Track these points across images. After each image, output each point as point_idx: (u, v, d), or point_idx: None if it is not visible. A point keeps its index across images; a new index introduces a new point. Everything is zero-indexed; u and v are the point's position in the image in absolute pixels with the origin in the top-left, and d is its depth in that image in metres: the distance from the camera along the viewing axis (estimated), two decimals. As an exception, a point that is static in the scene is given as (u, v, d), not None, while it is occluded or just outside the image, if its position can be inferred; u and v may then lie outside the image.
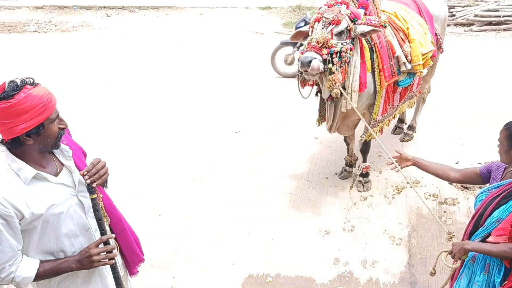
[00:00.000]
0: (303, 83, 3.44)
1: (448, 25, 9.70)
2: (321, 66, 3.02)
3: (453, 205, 3.89)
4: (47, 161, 1.80)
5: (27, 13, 12.86)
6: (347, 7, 3.22)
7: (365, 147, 4.02)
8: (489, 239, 2.06)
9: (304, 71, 3.07)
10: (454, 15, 9.98)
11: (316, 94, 3.63)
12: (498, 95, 6.01)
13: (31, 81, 1.70)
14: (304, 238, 3.62)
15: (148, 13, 12.70)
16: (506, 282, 2.07)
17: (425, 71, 3.87)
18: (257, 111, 5.98)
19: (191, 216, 3.92)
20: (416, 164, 2.55)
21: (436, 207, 3.89)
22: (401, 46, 3.60)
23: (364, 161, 4.09)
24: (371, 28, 3.22)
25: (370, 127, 3.48)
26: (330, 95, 3.36)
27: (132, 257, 2.12)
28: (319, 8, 3.25)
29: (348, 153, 4.30)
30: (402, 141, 4.89)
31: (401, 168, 2.61)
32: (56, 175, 1.80)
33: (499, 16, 9.35)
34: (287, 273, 3.27)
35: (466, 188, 4.08)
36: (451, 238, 2.37)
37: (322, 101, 3.88)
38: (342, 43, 3.12)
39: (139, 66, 8.06)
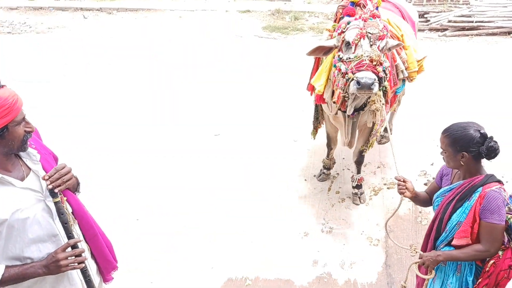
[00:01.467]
0: (344, 103, 3.15)
1: (422, 30, 9.98)
2: (378, 86, 2.84)
3: (428, 205, 3.98)
4: (13, 165, 1.77)
5: (1, 14, 12.53)
6: (380, 19, 3.05)
7: (361, 158, 3.93)
8: (453, 242, 2.14)
9: (365, 93, 2.85)
10: (429, 20, 10.24)
11: (336, 113, 3.39)
12: (472, 98, 6.19)
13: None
14: (283, 240, 3.64)
15: (126, 15, 12.56)
16: (480, 281, 2.12)
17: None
18: (235, 114, 5.98)
19: (169, 221, 3.88)
20: (415, 197, 2.49)
21: (412, 207, 3.97)
22: (398, 54, 3.57)
23: (359, 172, 4.00)
24: (398, 42, 3.15)
25: (372, 137, 3.54)
26: (355, 111, 3.21)
27: (104, 263, 2.07)
28: (348, 23, 3.00)
29: (327, 156, 4.29)
30: (379, 143, 4.97)
31: (404, 195, 2.48)
32: (22, 179, 1.76)
33: (472, 22, 9.65)
34: (266, 276, 3.28)
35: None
36: (416, 252, 2.39)
37: (318, 113, 3.96)
38: (384, 59, 2.96)
39: (117, 68, 7.94)
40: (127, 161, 4.82)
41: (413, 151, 4.80)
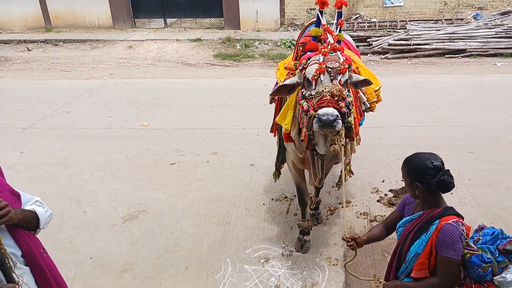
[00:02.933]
0: (310, 142, 2.97)
1: (366, 54, 10.56)
2: (341, 123, 2.67)
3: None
4: None
5: None
6: (341, 53, 2.92)
7: (321, 185, 3.67)
8: (412, 274, 2.13)
9: (327, 131, 2.69)
10: (371, 44, 10.87)
11: (305, 151, 3.16)
12: (417, 118, 6.57)
13: None
14: (244, 267, 3.58)
15: (73, 46, 12.29)
16: None
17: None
18: (191, 142, 5.94)
19: (124, 256, 3.72)
20: (368, 241, 2.53)
21: (367, 225, 4.08)
22: None
23: (317, 195, 3.96)
24: (364, 78, 3.02)
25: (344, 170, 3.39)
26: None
27: None
28: (308, 59, 2.89)
29: (303, 217, 3.77)
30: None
31: (357, 248, 2.52)
32: None
33: (410, 45, 10.35)
34: (229, 306, 3.21)
35: (393, 204, 4.34)
36: (379, 282, 2.43)
37: (281, 155, 3.79)
38: (347, 92, 2.79)
39: (63, 101, 7.68)
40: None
41: (365, 169, 4.98)
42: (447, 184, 2.03)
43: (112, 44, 12.11)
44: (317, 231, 4.01)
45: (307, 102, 2.79)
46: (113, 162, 5.42)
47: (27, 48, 12.08)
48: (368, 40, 11.09)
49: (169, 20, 14.11)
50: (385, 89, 7.19)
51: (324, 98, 2.67)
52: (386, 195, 4.53)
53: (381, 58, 10.34)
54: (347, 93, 2.77)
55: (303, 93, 2.86)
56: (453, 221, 2.03)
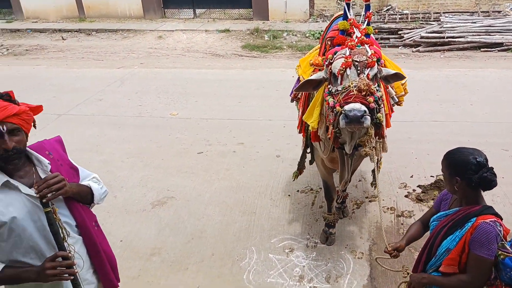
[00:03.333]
0: (337, 140, 2.84)
1: (397, 46, 10.32)
2: (369, 119, 2.51)
3: (410, 217, 4.06)
4: (25, 172, 1.83)
5: (-24, 37, 12.37)
6: (370, 46, 2.78)
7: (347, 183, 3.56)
8: (441, 268, 2.11)
9: (355, 128, 2.54)
10: (402, 37, 10.61)
11: (333, 150, 3.05)
12: (449, 113, 6.40)
13: None
14: (269, 257, 3.63)
15: (105, 36, 12.57)
16: None
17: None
18: (218, 132, 6.02)
19: (153, 241, 3.83)
20: (407, 244, 2.46)
21: (394, 220, 4.04)
22: None
23: (344, 190, 3.80)
24: (394, 71, 2.83)
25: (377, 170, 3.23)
26: (354, 148, 2.86)
27: (105, 282, 2.09)
28: (334, 53, 2.78)
29: (329, 210, 3.75)
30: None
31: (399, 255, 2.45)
32: (31, 186, 1.79)
33: (443, 38, 10.04)
34: (253, 293, 3.27)
35: (421, 200, 4.28)
36: (407, 273, 2.40)
37: (305, 156, 3.65)
38: (377, 87, 2.65)
39: (96, 89, 7.91)
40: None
41: (393, 163, 4.91)
42: (490, 181, 1.99)
43: (142, 34, 12.33)
44: (342, 224, 4.01)
45: (333, 98, 2.67)
46: (143, 150, 5.56)
47: (62, 37, 12.45)
48: (400, 32, 10.82)
49: (198, 11, 14.21)
50: (416, 83, 7.08)
51: (351, 93, 2.53)
52: (414, 190, 4.47)
53: (412, 51, 10.09)
54: (376, 87, 2.63)
55: (330, 89, 2.74)
56: (491, 221, 1.99)
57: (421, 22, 11.47)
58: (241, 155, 5.36)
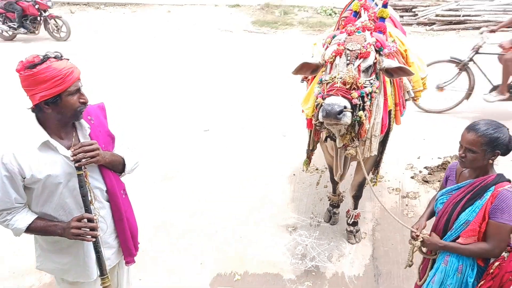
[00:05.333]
0: (317, 133, 2.76)
1: (410, 25, 10.06)
2: (350, 116, 2.36)
3: (415, 198, 4.04)
4: (66, 133, 1.95)
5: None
6: (371, 33, 2.58)
7: (359, 193, 3.48)
8: (459, 240, 2.11)
9: (331, 123, 2.38)
10: (417, 14, 10.33)
11: (326, 140, 2.84)
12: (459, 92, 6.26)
13: (58, 55, 1.85)
14: (271, 234, 3.66)
15: (114, 9, 12.44)
16: (482, 283, 2.09)
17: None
18: (224, 109, 5.99)
19: (157, 215, 3.88)
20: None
21: (399, 201, 4.02)
22: None
23: (356, 207, 3.54)
24: (398, 65, 2.58)
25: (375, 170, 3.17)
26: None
27: (124, 248, 2.20)
28: (333, 36, 2.59)
29: (333, 192, 3.70)
30: None
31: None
32: (69, 148, 1.89)
33: (459, 16, 9.75)
34: (255, 271, 3.30)
35: (427, 182, 4.24)
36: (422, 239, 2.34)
37: (313, 141, 3.36)
38: (370, 81, 2.46)
39: (106, 63, 7.88)
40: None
41: (400, 145, 4.85)
42: None
43: (151, 8, 12.16)
44: (346, 204, 3.99)
45: (319, 87, 2.50)
46: (152, 124, 5.57)
47: (70, 10, 12.34)
48: (414, 10, 10.53)
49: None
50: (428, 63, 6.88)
51: (335, 85, 2.35)
52: (420, 172, 4.43)
53: (427, 30, 9.83)
54: (370, 80, 2.44)
55: (322, 76, 2.56)
56: (508, 187, 2.02)
57: (437, -1, 11.12)
58: (247, 133, 5.35)
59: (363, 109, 2.44)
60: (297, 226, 3.75)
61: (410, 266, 2.42)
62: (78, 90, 1.87)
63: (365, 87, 2.41)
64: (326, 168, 4.53)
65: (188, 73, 7.42)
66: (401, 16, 10.46)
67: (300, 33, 10.01)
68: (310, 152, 3.55)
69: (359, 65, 2.43)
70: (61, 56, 1.87)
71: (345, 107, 2.31)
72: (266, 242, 3.58)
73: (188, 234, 3.68)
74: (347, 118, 2.33)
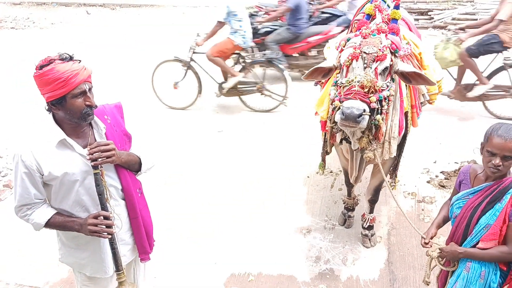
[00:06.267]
0: (333, 135, 2.77)
1: (426, 28, 9.96)
2: (368, 119, 2.38)
3: (431, 203, 3.99)
4: (82, 132, 1.99)
5: (5, 9, 12.55)
6: (386, 35, 2.58)
7: (376, 197, 3.46)
8: (479, 245, 2.06)
9: (349, 126, 2.39)
10: (432, 18, 10.23)
11: (341, 142, 2.86)
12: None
13: (66, 57, 1.87)
14: (285, 236, 3.65)
15: (129, 11, 12.57)
16: (506, 287, 2.06)
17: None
18: (239, 110, 6.00)
19: (170, 215, 3.89)
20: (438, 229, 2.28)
21: (415, 205, 3.98)
22: None
23: (371, 211, 3.51)
24: (413, 69, 2.61)
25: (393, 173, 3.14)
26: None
27: (139, 246, 2.23)
28: (347, 39, 2.60)
29: (348, 195, 3.67)
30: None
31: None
32: (85, 147, 1.93)
33: (476, 20, 9.60)
34: (269, 272, 3.29)
35: (443, 186, 4.19)
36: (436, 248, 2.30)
37: (329, 143, 3.32)
38: (387, 84, 2.48)
39: (119, 63, 7.96)
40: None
41: (416, 149, 4.80)
42: None
43: (165, 9, 12.26)
44: (361, 207, 3.96)
45: (335, 90, 2.53)
46: (164, 123, 5.60)
47: (86, 11, 12.51)
48: (430, 13, 10.43)
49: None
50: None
51: (353, 89, 2.36)
52: (437, 176, 4.37)
53: (442, 33, 9.71)
54: (387, 84, 2.45)
55: (337, 79, 2.58)
56: None
57: (454, 3, 11.01)
58: (261, 133, 5.34)
59: (380, 113, 2.46)
60: (311, 229, 3.73)
61: (427, 284, 2.36)
62: (83, 93, 1.88)
63: (383, 90, 2.43)
64: (340, 170, 4.50)
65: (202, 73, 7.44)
66: (417, 20, 10.37)
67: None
68: (325, 155, 3.55)
69: (376, 68, 2.44)
70: (69, 58, 1.88)
71: (364, 111, 2.33)
72: (280, 244, 3.57)
73: (202, 234, 3.68)
74: (365, 121, 2.36)
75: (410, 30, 3.39)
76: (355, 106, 2.31)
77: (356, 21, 2.99)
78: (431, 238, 2.28)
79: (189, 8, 12.15)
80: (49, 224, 1.99)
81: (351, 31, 3.18)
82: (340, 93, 2.46)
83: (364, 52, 2.46)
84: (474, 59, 5.26)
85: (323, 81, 3.25)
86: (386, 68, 2.49)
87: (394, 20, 2.77)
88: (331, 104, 2.54)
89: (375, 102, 2.37)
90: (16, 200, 1.97)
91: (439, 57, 5.17)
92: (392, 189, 3.38)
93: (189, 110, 6.10)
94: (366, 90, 2.37)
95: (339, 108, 2.40)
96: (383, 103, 2.45)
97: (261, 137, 5.27)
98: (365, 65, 2.44)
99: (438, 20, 10.04)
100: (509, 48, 5.19)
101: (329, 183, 4.34)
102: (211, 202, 4.08)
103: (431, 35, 9.62)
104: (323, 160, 3.58)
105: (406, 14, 3.68)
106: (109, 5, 12.74)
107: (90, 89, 1.92)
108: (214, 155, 4.91)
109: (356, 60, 2.47)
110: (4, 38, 9.83)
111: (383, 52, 2.45)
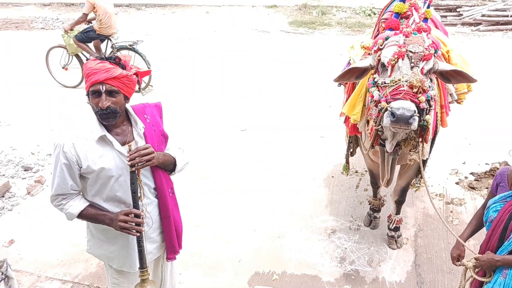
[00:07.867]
0: (377, 138, 2.62)
1: (455, 25, 9.71)
2: (417, 120, 2.29)
3: (460, 205, 3.89)
4: (122, 130, 2.07)
5: (35, 10, 12.92)
6: (428, 34, 2.50)
7: (403, 198, 3.37)
8: None
9: (400, 129, 2.31)
10: (461, 14, 9.95)
11: (372, 146, 2.76)
12: (506, 96, 5.98)
13: (101, 57, 2.01)
14: (310, 236, 3.63)
15: (154, 10, 12.74)
16: None
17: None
18: (263, 109, 6.00)
19: (197, 213, 3.93)
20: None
21: (443, 207, 3.89)
22: None
23: (398, 213, 3.42)
24: (453, 68, 2.53)
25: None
26: (396, 145, 2.59)
27: (168, 245, 2.27)
28: (386, 39, 2.50)
29: (374, 196, 3.61)
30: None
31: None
32: (124, 144, 2.02)
33: (507, 16, 9.32)
34: (293, 271, 3.29)
35: (473, 188, 4.08)
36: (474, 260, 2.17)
37: (351, 146, 3.36)
38: (430, 84, 2.40)
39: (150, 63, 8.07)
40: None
41: (445, 149, 4.68)
42: None
43: (190, 9, 12.37)
44: (388, 208, 3.90)
45: (378, 90, 2.42)
46: (189, 123, 5.67)
47: (113, 11, 12.74)
48: (458, 10, 10.15)
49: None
50: (474, 65, 6.63)
51: (401, 89, 2.27)
52: (466, 177, 4.26)
53: (472, 30, 9.45)
54: (430, 84, 2.37)
55: (375, 79, 2.48)
56: None
57: (483, -1, 10.68)
58: (285, 134, 5.33)
59: (428, 113, 2.38)
60: (336, 229, 3.70)
61: None
62: (99, 93, 1.93)
63: (430, 90, 2.36)
64: (366, 171, 4.44)
65: (227, 73, 7.48)
66: (445, 16, 10.11)
67: (338, 34, 9.88)
68: (348, 157, 3.53)
69: (422, 68, 2.37)
70: (107, 58, 1.99)
71: (414, 112, 2.24)
72: (304, 243, 3.56)
73: (227, 232, 3.71)
74: (416, 123, 2.26)
75: (437, 27, 3.28)
76: (406, 107, 2.22)
77: (383, 20, 2.91)
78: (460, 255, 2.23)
79: (212, 8, 12.21)
80: (81, 215, 2.06)
81: (377, 30, 3.10)
82: (385, 93, 2.36)
83: (410, 51, 2.37)
84: None
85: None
86: (430, 68, 2.42)
87: (425, 19, 2.70)
88: (376, 106, 2.43)
89: (424, 102, 2.29)
90: (53, 189, 2.04)
91: None
92: (416, 190, 3.30)
93: (211, 109, 6.14)
94: (415, 90, 2.28)
95: (386, 110, 2.31)
96: (431, 102, 2.37)
97: (285, 135, 5.25)
98: (412, 64, 2.35)
99: (468, 16, 9.76)
100: None
101: (354, 183, 4.29)
102: (236, 201, 4.10)
103: (460, 32, 9.37)
104: (347, 162, 3.56)
105: (432, 11, 3.51)
106: (135, 5, 12.94)
107: (109, 92, 1.94)
108: (238, 153, 4.92)
109: (402, 59, 2.37)
110: (35, 39, 10.13)
111: (429, 52, 2.38)
